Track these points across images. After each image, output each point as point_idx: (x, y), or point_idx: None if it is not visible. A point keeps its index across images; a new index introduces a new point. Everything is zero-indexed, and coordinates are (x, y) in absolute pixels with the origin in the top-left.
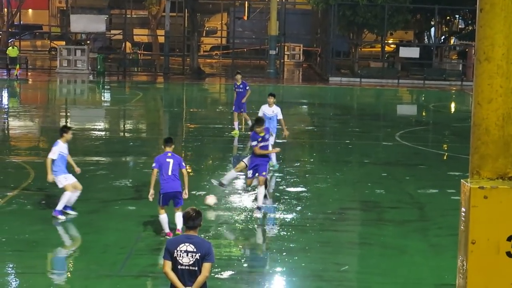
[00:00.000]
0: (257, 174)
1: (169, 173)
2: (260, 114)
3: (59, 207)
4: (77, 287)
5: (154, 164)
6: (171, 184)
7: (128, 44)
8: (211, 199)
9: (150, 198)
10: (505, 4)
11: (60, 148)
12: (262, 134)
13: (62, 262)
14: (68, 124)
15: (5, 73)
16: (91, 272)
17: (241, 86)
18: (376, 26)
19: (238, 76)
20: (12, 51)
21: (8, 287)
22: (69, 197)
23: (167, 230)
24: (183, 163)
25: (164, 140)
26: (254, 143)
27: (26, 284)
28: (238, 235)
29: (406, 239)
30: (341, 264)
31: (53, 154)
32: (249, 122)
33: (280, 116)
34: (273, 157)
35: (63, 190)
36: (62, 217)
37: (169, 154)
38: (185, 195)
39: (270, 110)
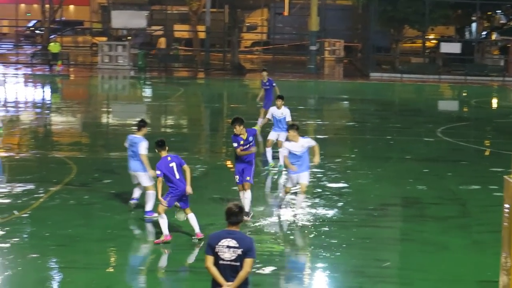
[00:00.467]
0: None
1: (177, 176)
2: (268, 115)
3: (149, 207)
4: (119, 282)
5: (158, 173)
6: (181, 187)
7: (163, 40)
8: (179, 215)
9: (163, 208)
10: None
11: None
12: (244, 137)
13: (103, 257)
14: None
15: (47, 69)
16: (133, 267)
17: (267, 83)
18: (417, 22)
19: (264, 73)
20: (54, 47)
21: (51, 281)
22: (153, 195)
23: (167, 232)
24: (182, 160)
25: (157, 144)
26: (235, 144)
27: (68, 279)
28: (279, 231)
29: (448, 235)
30: (382, 260)
31: (146, 150)
32: (260, 119)
33: (289, 118)
34: (269, 155)
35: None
36: (155, 214)
37: (169, 158)
38: (189, 189)
39: (279, 112)
